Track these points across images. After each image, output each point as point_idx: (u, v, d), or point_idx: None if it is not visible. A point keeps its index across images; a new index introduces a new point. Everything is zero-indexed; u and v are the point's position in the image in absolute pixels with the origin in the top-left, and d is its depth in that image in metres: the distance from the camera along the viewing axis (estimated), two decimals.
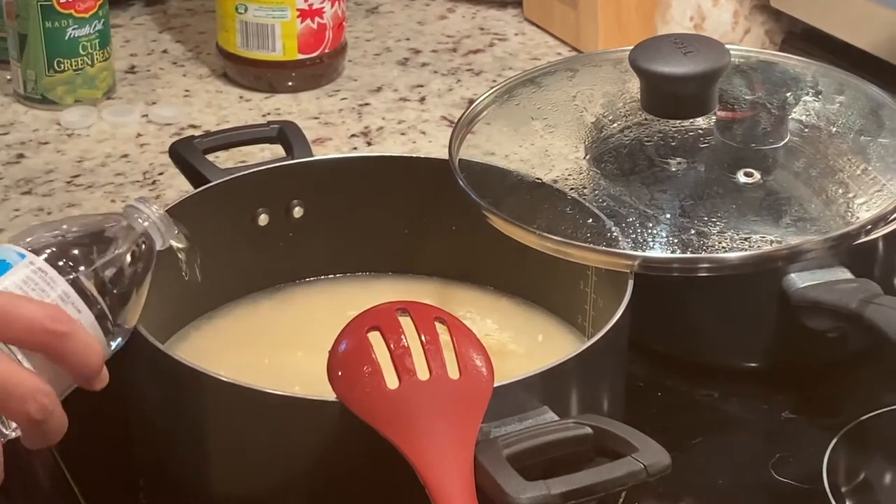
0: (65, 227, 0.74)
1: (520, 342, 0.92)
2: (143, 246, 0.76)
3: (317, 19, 1.25)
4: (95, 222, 0.75)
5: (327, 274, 0.97)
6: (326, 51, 1.27)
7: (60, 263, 0.72)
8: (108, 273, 0.73)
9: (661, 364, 0.94)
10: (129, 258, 0.75)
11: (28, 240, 0.73)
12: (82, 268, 0.72)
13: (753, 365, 0.94)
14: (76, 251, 0.73)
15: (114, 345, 0.74)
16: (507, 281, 0.95)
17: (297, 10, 1.24)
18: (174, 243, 0.80)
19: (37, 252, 0.72)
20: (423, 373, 0.75)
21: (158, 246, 0.77)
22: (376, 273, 0.97)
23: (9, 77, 1.25)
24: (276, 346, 0.91)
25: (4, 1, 1.22)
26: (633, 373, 0.87)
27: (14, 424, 0.70)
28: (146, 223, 0.77)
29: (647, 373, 0.93)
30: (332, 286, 0.96)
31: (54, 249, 0.72)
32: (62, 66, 1.22)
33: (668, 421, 0.89)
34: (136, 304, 0.75)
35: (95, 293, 0.72)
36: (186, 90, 1.27)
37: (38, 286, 0.71)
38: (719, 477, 0.87)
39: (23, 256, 0.71)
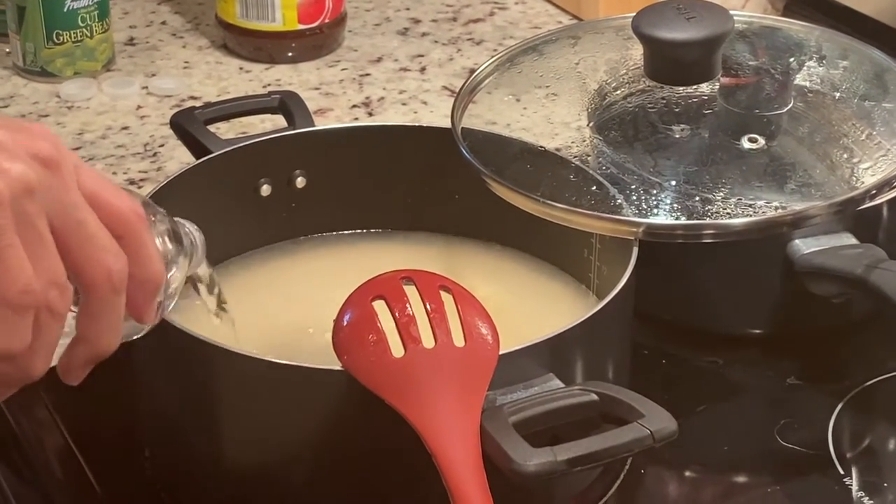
0: None
1: (525, 304, 0.91)
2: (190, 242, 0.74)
3: None
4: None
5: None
6: (326, 21, 1.26)
7: None
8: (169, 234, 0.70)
9: (666, 331, 0.94)
10: (179, 244, 0.72)
11: None
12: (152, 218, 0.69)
13: (758, 331, 0.94)
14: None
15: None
16: (511, 245, 0.95)
17: None
18: (199, 272, 0.78)
19: None
20: (428, 341, 0.74)
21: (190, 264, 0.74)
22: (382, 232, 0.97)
23: (8, 50, 1.25)
24: (277, 311, 0.91)
25: None
26: (637, 340, 0.87)
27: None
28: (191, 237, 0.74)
29: (652, 340, 0.93)
30: (337, 245, 0.96)
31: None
32: (61, 38, 1.21)
33: (672, 388, 0.89)
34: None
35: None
36: (186, 62, 1.27)
37: None
38: (724, 444, 0.87)
39: None
